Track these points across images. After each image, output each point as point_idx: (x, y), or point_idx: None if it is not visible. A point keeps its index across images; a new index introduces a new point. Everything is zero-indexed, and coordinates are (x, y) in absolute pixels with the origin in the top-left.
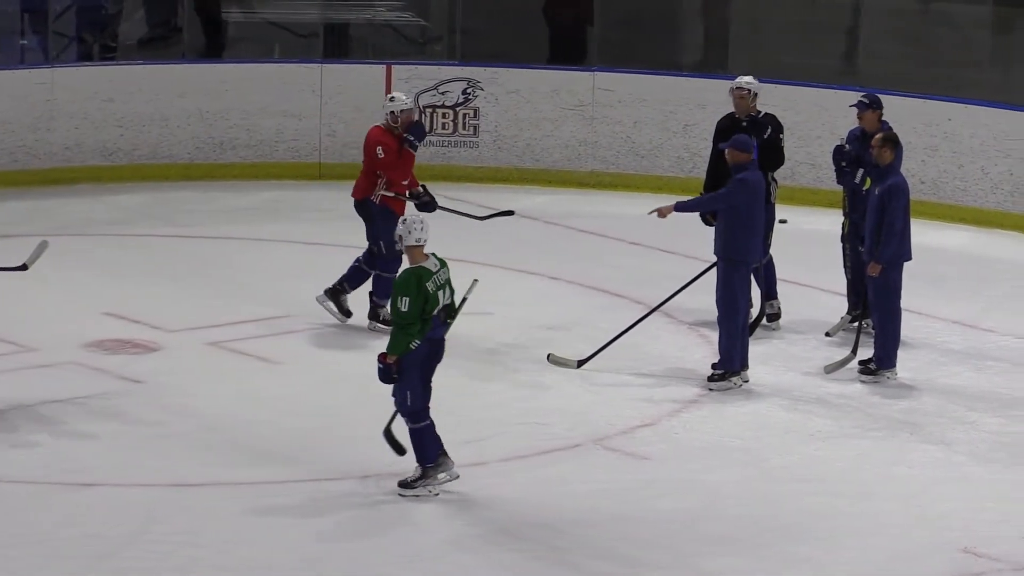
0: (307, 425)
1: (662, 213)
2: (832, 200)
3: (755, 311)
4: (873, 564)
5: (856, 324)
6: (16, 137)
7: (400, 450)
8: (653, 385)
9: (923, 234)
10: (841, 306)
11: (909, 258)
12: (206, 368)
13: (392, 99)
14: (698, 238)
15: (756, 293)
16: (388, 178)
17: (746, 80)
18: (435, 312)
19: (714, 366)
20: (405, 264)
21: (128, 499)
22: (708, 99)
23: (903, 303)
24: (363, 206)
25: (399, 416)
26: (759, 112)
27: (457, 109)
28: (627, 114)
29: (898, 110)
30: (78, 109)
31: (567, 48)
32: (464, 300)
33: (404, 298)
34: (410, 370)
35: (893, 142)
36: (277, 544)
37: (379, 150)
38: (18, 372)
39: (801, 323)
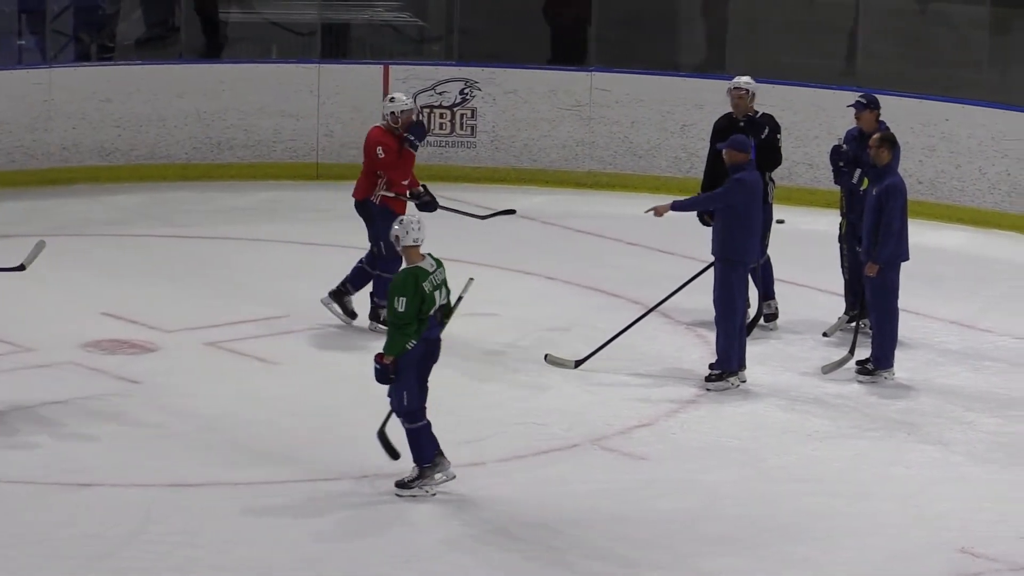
0: (305, 425)
1: (658, 212)
2: (830, 200)
3: (753, 311)
4: (871, 564)
5: (854, 324)
6: (14, 137)
7: (394, 454)
8: (651, 385)
9: (920, 234)
10: (838, 306)
11: (906, 258)
12: (204, 368)
13: (392, 99)
14: (696, 238)
15: (754, 293)
16: (388, 178)
17: (744, 80)
18: (432, 312)
19: (712, 366)
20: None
21: (126, 499)
22: (706, 99)
23: (901, 303)
24: (363, 206)
25: (394, 419)
26: (757, 112)
27: (454, 109)
28: (624, 114)
29: (896, 110)
30: (76, 109)
31: (566, 48)
32: (460, 299)
33: (401, 298)
34: (407, 370)
35: (891, 142)
36: (275, 544)
37: (379, 150)
38: (16, 372)
39: (799, 323)
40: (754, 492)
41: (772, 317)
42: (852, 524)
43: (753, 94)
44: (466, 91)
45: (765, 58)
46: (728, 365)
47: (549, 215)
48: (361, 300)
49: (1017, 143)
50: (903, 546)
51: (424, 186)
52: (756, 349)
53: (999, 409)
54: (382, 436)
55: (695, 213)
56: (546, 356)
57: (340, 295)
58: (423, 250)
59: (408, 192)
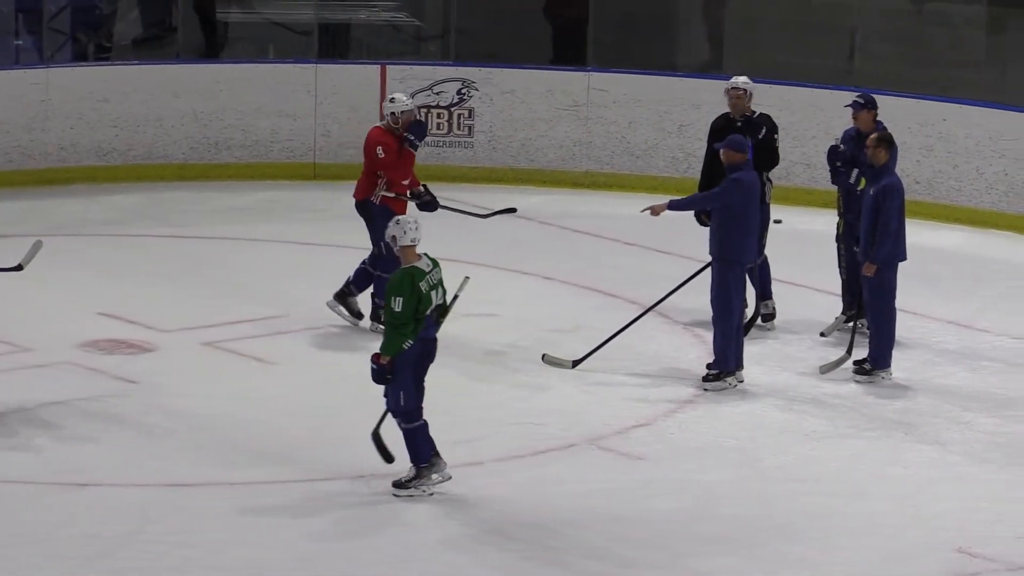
0: (301, 425)
1: (655, 211)
2: (827, 200)
3: (750, 311)
4: (868, 564)
5: (851, 324)
6: (11, 137)
7: (388, 457)
8: (648, 385)
9: (918, 234)
10: (836, 306)
11: (904, 258)
12: (201, 368)
13: (392, 100)
14: (693, 238)
15: (751, 293)
16: (388, 178)
17: (741, 80)
18: (428, 312)
19: (709, 366)
20: None
21: (124, 499)
22: (703, 99)
23: (898, 303)
24: (364, 207)
25: (389, 421)
26: (754, 112)
27: (452, 109)
28: (622, 114)
29: (893, 110)
30: (73, 109)
31: (564, 48)
32: (456, 297)
33: (398, 298)
34: (403, 370)
35: (888, 142)
36: (271, 544)
37: (379, 150)
38: (14, 372)
39: (796, 323)
40: (751, 492)
41: (769, 317)
42: (849, 524)
43: (750, 94)
44: (463, 91)
45: (762, 58)
46: (725, 365)
47: (546, 215)
48: (361, 301)
49: (1014, 143)
50: (900, 546)
51: (425, 186)
52: (753, 349)
53: (996, 409)
54: (376, 438)
55: (692, 213)
56: (543, 356)
57: (344, 296)
58: (419, 250)
59: (408, 192)
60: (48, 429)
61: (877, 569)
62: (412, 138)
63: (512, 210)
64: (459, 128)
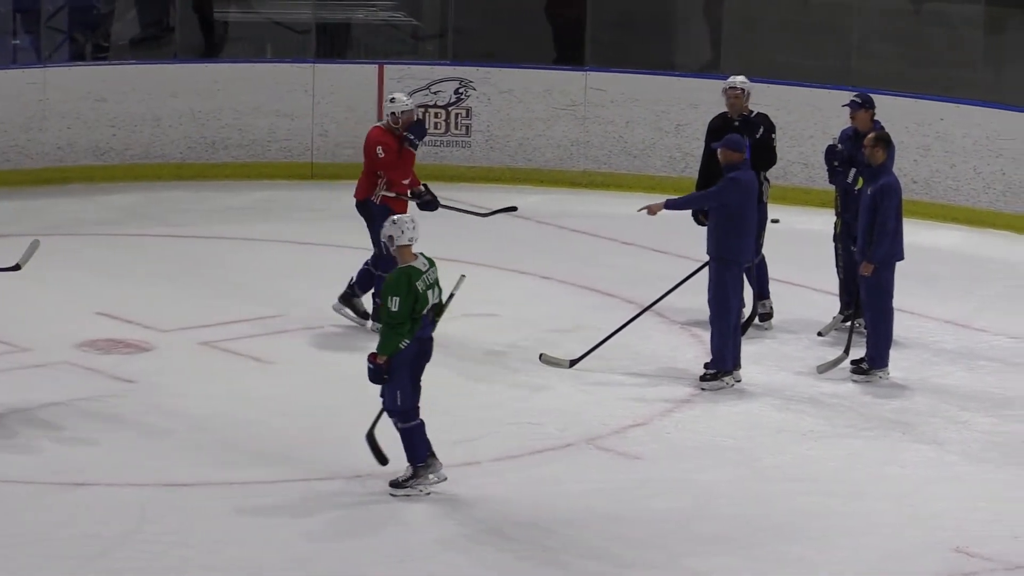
0: (298, 425)
1: (652, 210)
2: (824, 200)
3: (747, 311)
4: (865, 563)
5: (848, 324)
6: (8, 137)
7: (382, 459)
8: (645, 385)
9: (915, 234)
10: (833, 306)
11: (901, 258)
12: (198, 368)
13: (392, 100)
14: (690, 238)
15: (748, 293)
16: (388, 178)
17: (739, 80)
18: (424, 311)
19: (706, 366)
20: None
21: (122, 499)
22: (700, 99)
23: (895, 303)
24: (364, 207)
25: (384, 422)
26: (751, 112)
27: (449, 109)
28: (619, 114)
29: (890, 110)
30: (70, 109)
31: (562, 48)
32: (452, 296)
33: (394, 297)
34: (400, 370)
35: (886, 142)
36: (267, 544)
37: (379, 150)
38: (11, 372)
39: (793, 323)
40: (749, 491)
41: (767, 317)
42: (847, 523)
43: (748, 93)
44: (461, 91)
45: (760, 58)
46: (723, 364)
47: (544, 215)
48: (364, 301)
49: (1012, 142)
50: (898, 545)
51: (425, 185)
52: (751, 348)
53: (994, 409)
54: (371, 438)
55: (690, 213)
56: (541, 356)
57: (348, 299)
58: (416, 249)
59: (409, 191)
60: (47, 429)
61: (875, 568)
62: (412, 138)
63: (513, 208)
64: (457, 128)
